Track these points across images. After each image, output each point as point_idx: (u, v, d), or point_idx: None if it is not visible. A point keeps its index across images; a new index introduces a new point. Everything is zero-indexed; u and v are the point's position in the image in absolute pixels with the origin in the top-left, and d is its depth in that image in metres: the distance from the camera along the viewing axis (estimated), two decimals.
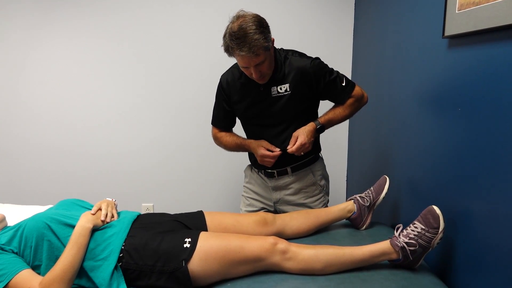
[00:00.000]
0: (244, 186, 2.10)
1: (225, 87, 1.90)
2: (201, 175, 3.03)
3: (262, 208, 2.02)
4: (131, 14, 2.79)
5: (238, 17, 1.63)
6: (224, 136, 1.98)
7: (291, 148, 1.73)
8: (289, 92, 1.77)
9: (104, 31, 2.82)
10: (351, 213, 1.78)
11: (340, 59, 2.83)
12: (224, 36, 1.63)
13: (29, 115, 2.93)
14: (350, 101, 1.84)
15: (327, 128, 1.85)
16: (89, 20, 2.80)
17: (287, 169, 1.90)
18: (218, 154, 2.97)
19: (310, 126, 1.79)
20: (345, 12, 2.79)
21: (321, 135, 1.89)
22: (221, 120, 1.98)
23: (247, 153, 2.01)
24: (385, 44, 2.18)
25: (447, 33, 1.39)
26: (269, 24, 1.68)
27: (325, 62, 1.82)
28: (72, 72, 2.87)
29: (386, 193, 1.75)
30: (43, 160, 2.99)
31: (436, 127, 1.54)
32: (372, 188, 1.79)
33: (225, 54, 1.68)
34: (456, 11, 1.32)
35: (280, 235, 1.63)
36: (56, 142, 2.96)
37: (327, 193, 2.03)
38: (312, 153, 1.90)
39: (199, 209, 1.70)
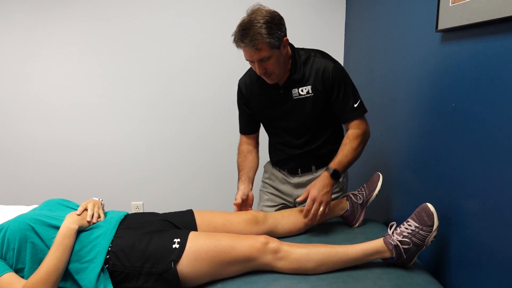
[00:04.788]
0: (263, 181, 2.04)
1: (243, 91, 1.85)
2: (192, 173, 2.99)
3: (282, 204, 1.97)
4: (129, 12, 2.74)
5: (253, 11, 1.59)
6: (241, 153, 1.92)
7: (302, 200, 1.66)
8: (312, 94, 1.71)
9: (104, 31, 2.77)
10: (344, 211, 1.76)
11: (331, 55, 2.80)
12: (236, 27, 1.60)
13: (13, 111, 2.87)
14: (355, 131, 1.71)
15: (343, 171, 1.71)
16: (88, 20, 2.75)
17: (312, 166, 1.86)
18: (210, 152, 2.95)
19: (324, 178, 1.64)
20: (337, 7, 2.76)
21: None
22: (246, 125, 1.93)
23: (239, 161, 1.93)
24: (377, 39, 2.15)
25: (440, 27, 1.36)
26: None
27: (345, 71, 1.73)
28: (63, 69, 2.81)
29: (379, 190, 1.73)
30: (27, 157, 2.93)
31: (429, 122, 1.51)
32: (365, 185, 1.77)
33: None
34: (450, 4, 1.29)
35: (272, 234, 1.60)
36: (42, 139, 2.90)
37: (345, 190, 1.98)
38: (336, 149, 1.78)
39: (190, 208, 1.66)
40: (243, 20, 1.57)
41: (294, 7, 2.73)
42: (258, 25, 1.53)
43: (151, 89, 2.85)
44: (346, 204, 1.76)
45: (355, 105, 1.71)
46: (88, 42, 2.78)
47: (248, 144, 1.95)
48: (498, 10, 1.06)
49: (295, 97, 1.73)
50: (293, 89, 1.72)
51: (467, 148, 1.25)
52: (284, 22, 1.62)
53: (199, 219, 1.58)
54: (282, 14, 1.62)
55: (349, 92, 1.70)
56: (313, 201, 1.61)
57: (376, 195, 1.74)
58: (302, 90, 1.71)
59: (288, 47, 1.68)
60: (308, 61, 1.71)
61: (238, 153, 1.95)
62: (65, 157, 2.92)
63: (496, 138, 1.11)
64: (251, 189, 1.82)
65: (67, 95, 2.84)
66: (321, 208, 1.61)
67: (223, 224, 1.58)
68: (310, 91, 1.71)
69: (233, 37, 1.60)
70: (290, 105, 1.75)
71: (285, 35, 1.62)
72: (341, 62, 2.82)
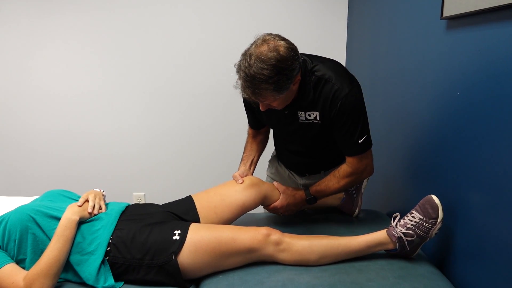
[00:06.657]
0: (268, 176, 1.99)
1: (246, 98, 1.67)
2: (194, 164, 2.98)
3: None
4: (131, 4, 2.71)
5: (263, 41, 1.34)
6: (248, 136, 1.88)
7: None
8: (319, 121, 1.52)
9: (107, 23, 2.74)
10: (341, 200, 1.76)
11: (334, 43, 2.76)
12: (244, 54, 1.36)
13: (14, 102, 2.86)
14: (347, 170, 1.57)
15: (319, 198, 1.68)
16: (90, 12, 2.72)
17: (321, 171, 1.80)
18: (212, 143, 2.93)
19: (299, 199, 1.66)
20: None
21: None
22: (254, 122, 1.82)
23: (247, 141, 1.90)
24: (380, 26, 2.11)
25: (445, 14, 1.33)
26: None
27: (358, 101, 1.49)
28: (64, 61, 2.79)
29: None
30: (28, 148, 2.92)
31: (434, 112, 1.49)
32: None
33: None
34: None
35: (267, 200, 1.64)
36: (43, 130, 2.89)
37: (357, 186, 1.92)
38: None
39: None
40: (249, 57, 1.32)
41: None
42: (263, 77, 1.30)
43: (154, 80, 2.83)
44: (341, 194, 1.75)
45: (359, 141, 1.50)
46: (91, 33, 2.75)
47: (258, 132, 1.86)
48: None
49: (301, 121, 1.54)
50: (300, 112, 1.53)
51: (472, 138, 1.23)
52: (296, 60, 1.35)
53: (198, 203, 1.56)
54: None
55: (356, 126, 1.48)
56: (277, 209, 1.66)
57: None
58: (309, 115, 1.52)
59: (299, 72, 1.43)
60: (319, 85, 1.47)
61: (247, 141, 1.89)
62: (67, 148, 2.92)
63: (502, 128, 1.09)
64: (252, 171, 1.78)
65: (69, 86, 2.83)
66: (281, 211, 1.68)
67: (222, 200, 1.57)
68: (318, 118, 1.51)
69: (237, 68, 1.37)
70: (295, 127, 1.58)
71: (298, 73, 1.39)
72: (344, 50, 2.78)
